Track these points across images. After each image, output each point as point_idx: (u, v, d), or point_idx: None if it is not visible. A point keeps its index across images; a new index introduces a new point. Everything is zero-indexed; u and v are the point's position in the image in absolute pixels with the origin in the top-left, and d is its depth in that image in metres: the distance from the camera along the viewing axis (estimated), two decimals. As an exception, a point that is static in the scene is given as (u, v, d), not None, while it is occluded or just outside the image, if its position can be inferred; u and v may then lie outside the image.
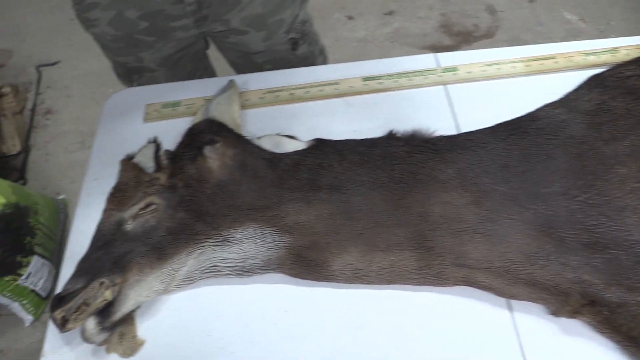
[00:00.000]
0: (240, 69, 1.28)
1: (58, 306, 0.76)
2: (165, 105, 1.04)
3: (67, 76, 2.48)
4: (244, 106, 1.02)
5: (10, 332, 1.80)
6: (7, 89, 2.24)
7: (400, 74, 1.04)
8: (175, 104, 1.04)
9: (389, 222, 0.82)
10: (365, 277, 0.79)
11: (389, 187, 0.86)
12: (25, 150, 2.22)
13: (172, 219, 0.85)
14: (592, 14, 2.35)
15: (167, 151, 0.94)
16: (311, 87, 1.03)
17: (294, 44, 1.19)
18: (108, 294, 0.78)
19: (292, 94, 1.02)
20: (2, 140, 2.01)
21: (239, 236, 0.83)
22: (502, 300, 0.77)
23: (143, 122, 1.03)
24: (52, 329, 0.81)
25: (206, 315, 0.79)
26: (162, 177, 0.89)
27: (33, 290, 1.75)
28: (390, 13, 2.47)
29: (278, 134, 0.94)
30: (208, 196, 0.86)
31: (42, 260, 1.75)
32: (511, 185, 0.85)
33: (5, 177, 2.16)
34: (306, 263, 0.80)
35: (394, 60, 1.06)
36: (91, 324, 0.76)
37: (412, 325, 0.76)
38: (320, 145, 0.91)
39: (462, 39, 2.33)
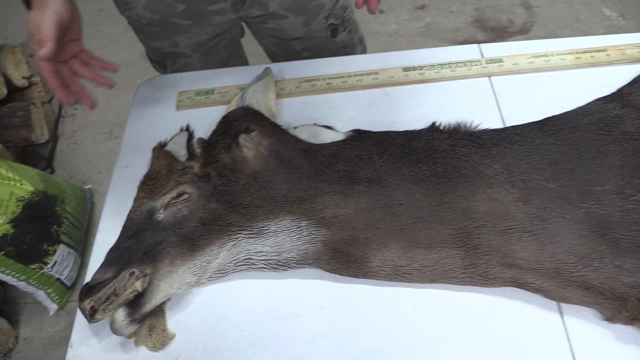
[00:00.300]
0: (277, 57, 1.24)
1: (87, 296, 0.74)
2: (199, 93, 1.01)
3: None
4: (279, 95, 0.98)
5: (34, 321, 1.80)
6: (37, 78, 2.24)
7: (442, 65, 0.99)
8: (209, 92, 1.01)
9: (432, 218, 0.78)
10: (406, 275, 0.75)
11: (431, 182, 0.82)
12: (53, 139, 2.22)
13: (205, 209, 0.82)
14: (632, 10, 2.27)
15: (200, 139, 0.91)
16: (349, 76, 0.99)
17: (334, 30, 1.15)
18: (138, 285, 0.76)
19: (329, 84, 0.99)
20: (32, 129, 2.01)
21: (274, 228, 0.80)
22: (553, 303, 0.73)
23: (175, 110, 1.01)
24: (80, 319, 0.78)
25: (239, 310, 0.76)
26: (195, 166, 0.86)
27: (58, 279, 1.74)
28: (422, 7, 2.42)
29: (315, 124, 0.90)
30: (242, 186, 0.83)
31: (67, 249, 1.74)
32: (561, 183, 0.80)
33: (33, 166, 2.17)
34: (344, 258, 0.77)
35: (435, 51, 1.02)
36: (120, 315, 0.73)
37: (455, 326, 0.72)
38: (358, 137, 0.88)
39: (497, 34, 2.27)
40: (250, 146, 0.84)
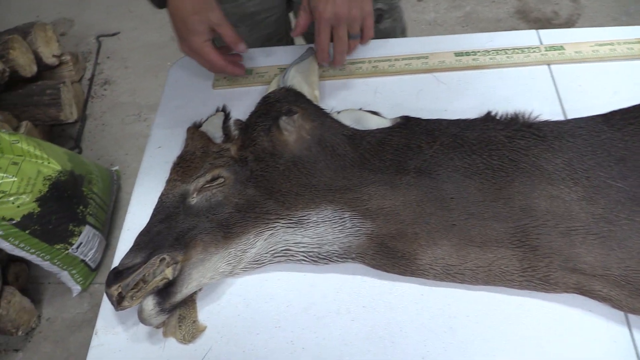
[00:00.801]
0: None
1: (114, 282, 0.69)
2: (248, 71, 0.96)
3: (126, 47, 2.45)
4: (322, 77, 0.92)
5: (57, 301, 1.79)
6: (67, 57, 2.22)
7: (497, 50, 0.92)
8: (247, 71, 0.96)
9: (487, 215, 0.72)
10: (458, 275, 0.69)
11: (486, 175, 0.75)
12: (82, 119, 2.20)
13: (241, 194, 0.77)
14: (685, 6, 2.16)
15: (238, 121, 0.86)
16: (397, 60, 0.93)
17: (379, 15, 1.09)
18: (169, 272, 0.71)
19: (375, 67, 0.92)
20: (61, 108, 1.99)
21: (314, 219, 0.74)
22: (620, 314, 0.66)
23: (211, 89, 0.96)
24: (106, 306, 0.74)
25: (275, 304, 0.71)
26: (232, 149, 0.81)
27: (83, 261, 1.72)
28: (463, -4, 2.33)
29: (360, 109, 0.84)
30: (281, 172, 0.78)
31: (93, 231, 1.72)
32: (630, 182, 0.73)
33: (60, 145, 2.15)
34: (391, 254, 0.71)
35: (490, 35, 0.95)
36: (149, 303, 0.69)
37: (510, 334, 0.65)
38: (407, 124, 0.81)
39: (540, 26, 2.17)
40: (291, 129, 0.79)
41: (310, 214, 0.75)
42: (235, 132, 0.84)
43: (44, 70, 2.15)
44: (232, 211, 0.76)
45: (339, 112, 0.84)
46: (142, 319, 0.69)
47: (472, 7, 2.29)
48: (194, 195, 0.78)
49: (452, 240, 0.71)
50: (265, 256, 0.74)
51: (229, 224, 0.75)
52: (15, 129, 1.89)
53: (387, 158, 0.78)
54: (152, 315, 0.68)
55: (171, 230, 0.75)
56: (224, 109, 0.88)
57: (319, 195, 0.75)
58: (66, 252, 1.66)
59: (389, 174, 0.76)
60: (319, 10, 0.81)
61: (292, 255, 0.73)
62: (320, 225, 0.73)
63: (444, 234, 0.71)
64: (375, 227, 0.72)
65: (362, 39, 0.87)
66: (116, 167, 2.01)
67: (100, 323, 0.73)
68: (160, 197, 0.79)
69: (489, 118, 0.81)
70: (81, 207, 1.67)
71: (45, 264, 1.67)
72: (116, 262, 0.75)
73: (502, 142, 0.78)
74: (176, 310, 0.72)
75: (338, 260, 0.72)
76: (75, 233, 1.66)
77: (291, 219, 0.75)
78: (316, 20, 0.83)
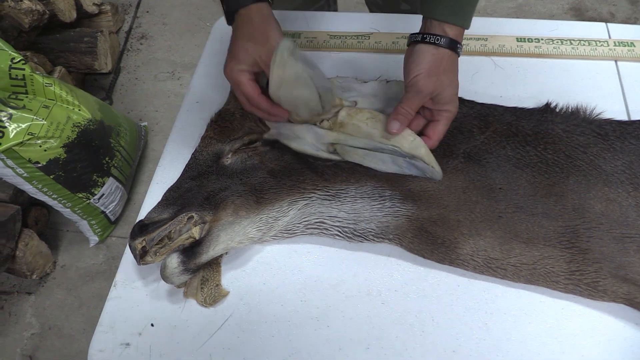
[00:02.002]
0: (373, 5, 1.13)
1: (139, 235, 0.67)
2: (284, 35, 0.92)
3: (166, 3, 2.41)
4: (373, 49, 0.88)
5: (74, 250, 1.78)
6: (107, 7, 2.19)
7: (562, 40, 0.87)
8: (295, 35, 0.91)
9: (536, 210, 0.68)
10: (499, 270, 0.65)
11: (539, 169, 0.71)
12: (116, 71, 2.18)
13: (278, 160, 0.74)
14: None
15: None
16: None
17: None
18: (196, 232, 0.68)
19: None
20: (96, 57, 1.97)
21: (353, 193, 0.71)
22: (671, 332, 0.61)
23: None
24: (128, 258, 0.72)
25: (303, 277, 0.68)
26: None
27: (103, 212, 1.71)
28: (516, -14, 2.24)
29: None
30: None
31: (116, 183, 1.70)
32: (695, 194, 0.68)
33: (92, 95, 2.13)
34: (430, 240, 0.67)
35: (556, 23, 0.89)
36: (174, 261, 0.66)
37: (549, 339, 0.61)
38: (460, 106, 0.77)
39: (593, 26, 2.08)
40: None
41: (349, 188, 0.71)
42: None
43: (83, 17, 2.12)
44: (266, 176, 0.73)
45: (387, 81, 0.80)
46: (165, 277, 0.66)
47: (525, -1, 2.21)
48: (229, 155, 0.75)
49: (496, 232, 0.66)
50: (298, 226, 0.70)
51: (262, 189, 0.72)
52: (49, 74, 1.88)
53: None
54: (175, 273, 0.66)
55: (202, 189, 0.72)
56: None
57: (360, 169, 0.71)
58: (87, 201, 1.64)
59: (436, 156, 0.72)
60: (451, 109, 0.69)
61: (326, 229, 0.69)
62: (359, 201, 0.70)
63: (489, 224, 0.67)
64: (417, 209, 0.68)
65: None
66: (145, 123, 1.99)
67: (120, 275, 0.70)
68: (193, 154, 0.76)
69: (547, 109, 0.76)
70: (107, 159, 1.65)
71: (66, 212, 1.66)
72: (142, 215, 0.72)
73: (560, 136, 0.73)
74: (200, 272, 0.69)
75: (374, 240, 0.68)
76: (99, 184, 1.65)
77: (329, 191, 0.71)
78: (441, 114, 0.69)
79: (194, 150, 0.77)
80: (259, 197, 0.71)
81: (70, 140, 1.54)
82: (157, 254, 0.67)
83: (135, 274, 0.70)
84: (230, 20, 0.73)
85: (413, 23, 0.90)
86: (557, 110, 0.76)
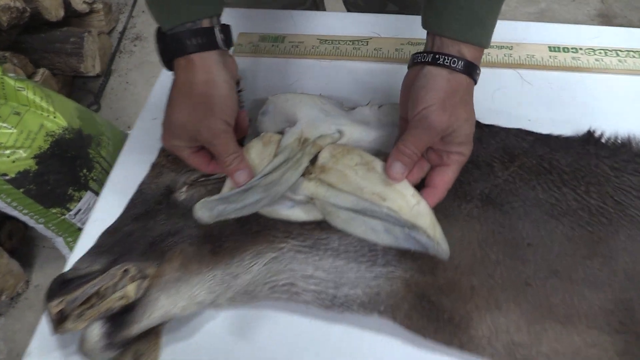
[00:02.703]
0: (351, 6, 0.96)
1: (58, 293, 0.51)
2: (264, 38, 0.76)
3: (164, 3, 2.28)
4: (372, 57, 0.72)
5: (50, 268, 1.64)
6: (99, 6, 2.05)
7: (606, 50, 0.70)
8: (277, 39, 0.76)
9: (576, 276, 0.51)
10: (526, 360, 0.49)
11: (579, 219, 0.54)
12: (106, 74, 2.04)
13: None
14: None
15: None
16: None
17: None
18: (131, 289, 0.53)
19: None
20: (82, 59, 1.83)
21: (335, 244, 0.55)
22: None
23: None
24: (44, 325, 0.56)
25: (267, 355, 0.51)
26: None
27: (80, 229, 1.56)
28: (539, -10, 2.07)
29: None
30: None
31: (95, 198, 1.55)
32: None
33: (78, 100, 1.99)
34: (434, 314, 0.50)
35: (599, 30, 0.73)
36: (95, 333, 0.50)
37: None
38: (479, 133, 0.60)
39: (623, 34, 1.90)
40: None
41: (331, 237, 0.55)
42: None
43: (73, 16, 1.99)
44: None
45: (380, 106, 0.64)
46: (84, 352, 0.51)
47: (547, 3, 2.03)
48: (184, 189, 0.60)
49: (523, 306, 0.50)
50: (262, 288, 0.54)
51: (221, 234, 0.56)
52: (30, 76, 1.74)
53: None
54: (97, 349, 0.50)
55: (146, 233, 0.57)
56: (237, 82, 0.68)
57: None
58: (62, 217, 1.50)
59: (446, 198, 0.55)
60: (464, 151, 0.51)
61: (297, 293, 0.53)
62: (342, 256, 0.54)
63: (513, 295, 0.50)
64: (417, 270, 0.52)
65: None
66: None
67: (34, 344, 0.55)
68: (140, 186, 0.61)
69: (590, 139, 0.60)
70: (84, 171, 1.50)
71: (40, 227, 1.51)
72: (70, 264, 0.57)
73: (606, 176, 0.57)
74: (132, 346, 0.53)
75: (359, 311, 0.52)
76: (75, 198, 1.50)
77: (305, 240, 0.55)
78: (452, 158, 0.52)
79: (141, 182, 0.61)
80: (215, 245, 0.55)
81: (42, 150, 1.39)
82: (81, 318, 0.51)
83: (54, 342, 0.55)
84: (169, 67, 0.56)
85: (411, 27, 0.74)
86: (603, 140, 0.59)
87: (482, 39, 0.50)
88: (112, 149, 1.65)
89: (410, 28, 0.74)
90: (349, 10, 0.95)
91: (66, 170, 1.46)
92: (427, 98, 0.48)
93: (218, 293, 0.53)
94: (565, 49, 0.70)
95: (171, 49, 0.53)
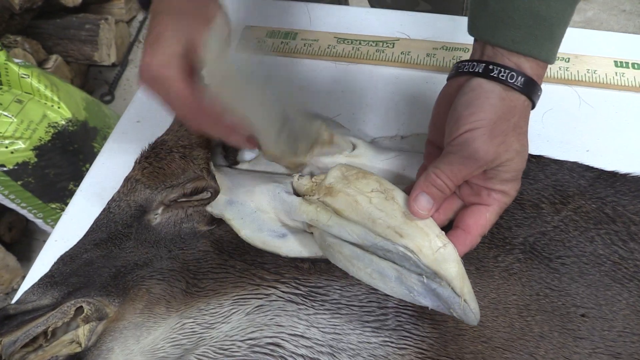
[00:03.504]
0: (381, 1, 0.82)
1: (-3, 332, 0.42)
2: (273, 34, 0.65)
3: (188, -7, 2.19)
4: (399, 62, 0.60)
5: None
6: (120, -8, 1.97)
7: (687, 69, 0.57)
8: (288, 35, 0.65)
9: (645, 363, 0.39)
10: None
11: (651, 284, 0.42)
12: (123, 64, 1.95)
13: (229, 227, 0.47)
14: None
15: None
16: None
17: None
18: (82, 334, 0.43)
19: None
20: (96, 47, 1.75)
21: (336, 296, 0.44)
22: None
23: (234, 52, 0.65)
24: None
25: None
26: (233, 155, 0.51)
27: (80, 226, 1.48)
28: (587, -2, 1.92)
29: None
30: None
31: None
32: None
33: (92, 89, 1.91)
34: (456, 403, 0.39)
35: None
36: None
37: None
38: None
39: (677, 50, 1.75)
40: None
41: (331, 285, 0.44)
42: None
43: (92, 3, 1.91)
44: (209, 250, 0.47)
45: (403, 137, 0.52)
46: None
47: (595, 13, 1.88)
48: (159, 210, 0.49)
49: (574, 399, 0.38)
50: (240, 346, 0.43)
51: (199, 270, 0.46)
52: (42, 62, 1.66)
53: None
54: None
55: (110, 262, 0.47)
56: None
57: None
58: (62, 212, 1.42)
59: (477, 246, 0.44)
60: (510, 191, 0.40)
61: (283, 357, 0.42)
62: (343, 311, 0.43)
63: (561, 383, 0.39)
64: (438, 338, 0.41)
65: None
66: (145, 125, 1.76)
67: None
68: (108, 204, 0.51)
69: (666, 180, 0.48)
70: (87, 165, 1.42)
71: (38, 222, 1.44)
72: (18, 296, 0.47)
73: (688, 229, 0.44)
74: (73, 408, 0.43)
75: (360, 388, 0.41)
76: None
77: (298, 287, 0.44)
78: (493, 197, 0.41)
79: (110, 199, 0.51)
80: (190, 284, 0.45)
81: (42, 142, 1.31)
82: (22, 363, 0.42)
83: None
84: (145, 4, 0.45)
85: (445, 27, 0.62)
86: (683, 183, 0.47)
87: (549, 53, 0.38)
88: (120, 144, 1.56)
89: (445, 30, 0.63)
90: (372, 6, 0.83)
91: (67, 164, 1.38)
92: (474, 119, 0.37)
93: (186, 347, 0.43)
94: (636, 65, 0.57)
95: None
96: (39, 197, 1.37)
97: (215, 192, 0.49)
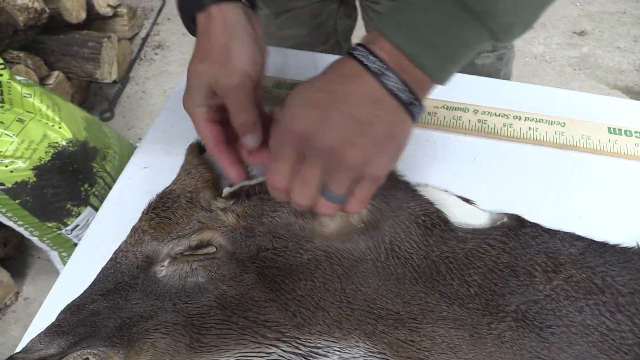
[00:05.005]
0: None
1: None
2: (279, 84, 0.67)
3: (190, 12, 2.22)
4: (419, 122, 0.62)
5: (42, 281, 1.57)
6: (123, 10, 1.99)
7: (678, 138, 0.60)
8: (294, 86, 0.67)
9: None
10: None
11: (636, 357, 0.44)
12: (123, 81, 1.97)
13: (234, 281, 0.49)
14: None
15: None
16: (517, 118, 0.62)
17: None
18: (87, 385, 0.44)
19: (483, 122, 0.61)
20: (99, 64, 1.76)
21: (335, 357, 0.45)
22: None
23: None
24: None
25: None
26: (237, 210, 0.53)
27: (76, 245, 1.48)
28: (582, 33, 1.96)
29: (446, 191, 0.54)
30: (304, 264, 0.49)
31: (95, 214, 1.48)
32: None
33: (92, 106, 1.93)
34: None
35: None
36: None
37: None
38: (517, 232, 0.51)
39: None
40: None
41: (331, 346, 0.46)
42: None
43: (96, 19, 1.93)
44: (212, 305, 0.49)
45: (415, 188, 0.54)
46: None
47: (590, 48, 1.92)
48: (165, 263, 0.51)
49: None
50: (241, 406, 0.45)
51: (202, 325, 0.47)
52: (44, 79, 1.68)
53: (473, 282, 0.48)
54: None
55: (115, 313, 0.48)
56: None
57: (351, 319, 0.46)
58: (58, 232, 1.43)
59: (472, 312, 0.46)
60: (287, 119, 0.42)
61: (283, 418, 0.44)
62: (340, 376, 0.44)
63: None
64: (432, 405, 0.42)
65: (346, 205, 0.45)
66: (143, 144, 1.78)
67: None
68: (115, 254, 0.52)
69: (656, 253, 0.50)
70: (86, 185, 1.43)
71: (34, 239, 1.44)
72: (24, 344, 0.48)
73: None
74: None
75: None
76: (73, 213, 1.43)
77: (300, 345, 0.46)
78: (277, 132, 0.44)
79: (117, 248, 0.52)
80: (194, 339, 0.46)
81: (42, 162, 1.33)
82: (25, 415, 0.43)
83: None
84: (192, 31, 0.53)
85: (464, 87, 0.64)
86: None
87: (402, 39, 0.40)
88: (119, 164, 1.57)
89: (447, 87, 0.65)
90: None
91: (66, 184, 1.39)
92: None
93: (189, 404, 0.44)
94: (628, 132, 0.60)
95: (189, 5, 0.51)
96: (36, 216, 1.38)
97: (220, 247, 0.51)
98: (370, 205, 0.49)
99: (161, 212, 0.52)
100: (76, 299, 0.50)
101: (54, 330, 0.48)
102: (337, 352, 0.45)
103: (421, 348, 0.44)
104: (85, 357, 0.45)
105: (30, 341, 0.48)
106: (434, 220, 0.50)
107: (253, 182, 0.52)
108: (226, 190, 0.53)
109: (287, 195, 0.44)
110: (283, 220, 0.50)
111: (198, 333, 0.47)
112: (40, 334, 0.48)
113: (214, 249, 0.51)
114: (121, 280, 0.50)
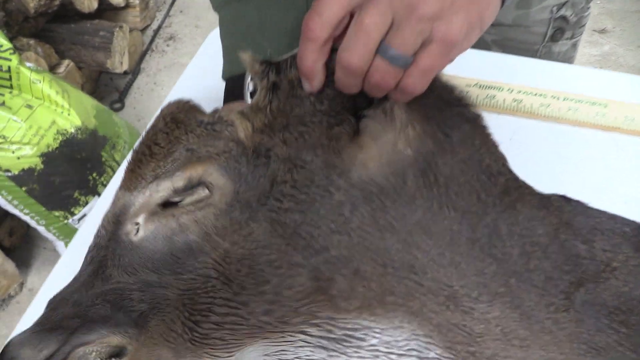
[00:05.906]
0: None
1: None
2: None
3: (203, 5, 2.18)
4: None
5: (46, 271, 1.53)
6: (136, 1, 1.96)
7: None
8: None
9: None
10: None
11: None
12: (134, 72, 1.94)
13: (238, 235, 0.39)
14: None
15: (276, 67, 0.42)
16: (555, 97, 0.58)
17: (558, 30, 0.72)
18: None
19: (518, 101, 0.57)
20: (109, 54, 1.73)
21: (375, 341, 0.37)
22: None
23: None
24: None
25: None
26: (244, 125, 0.41)
27: (82, 235, 1.46)
28: (603, 31, 1.92)
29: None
30: (335, 208, 0.39)
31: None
32: None
33: (102, 96, 1.90)
34: None
35: None
36: None
37: None
38: (564, 208, 0.45)
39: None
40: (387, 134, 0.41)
41: (371, 327, 0.37)
42: (264, 92, 0.42)
43: (107, 9, 1.91)
44: (210, 275, 0.38)
45: None
46: None
47: (612, 47, 1.88)
48: (139, 219, 0.41)
49: None
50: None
51: (194, 306, 0.38)
52: (54, 67, 1.65)
53: (534, 253, 0.43)
54: None
55: (90, 298, 0.40)
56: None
57: (397, 291, 0.38)
58: (65, 221, 1.40)
59: (530, 291, 0.41)
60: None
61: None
62: (381, 360, 0.38)
63: None
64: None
65: (404, 78, 0.38)
66: (153, 135, 1.75)
67: None
68: (98, 228, 0.44)
69: None
70: (94, 174, 1.40)
71: (41, 229, 1.42)
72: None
73: None
74: None
75: None
76: (81, 202, 1.40)
77: (333, 328, 0.37)
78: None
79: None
80: (192, 327, 0.38)
81: (50, 149, 1.30)
82: None
83: None
84: None
85: (501, 65, 0.60)
86: None
87: None
88: (127, 153, 1.54)
89: (479, 66, 0.61)
90: None
91: (74, 172, 1.37)
92: None
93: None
94: (675, 113, 0.55)
95: None
96: (42, 205, 1.35)
97: (217, 187, 0.40)
98: (421, 130, 0.41)
99: (141, 153, 0.42)
100: (67, 285, 0.43)
101: (41, 327, 0.40)
102: (377, 336, 0.37)
103: (473, 333, 0.39)
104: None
105: (17, 344, 0.40)
106: (500, 168, 0.43)
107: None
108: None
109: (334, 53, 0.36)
110: (310, 141, 0.40)
111: (190, 319, 0.37)
112: (27, 335, 0.39)
113: (207, 192, 0.40)
114: (99, 255, 0.41)
